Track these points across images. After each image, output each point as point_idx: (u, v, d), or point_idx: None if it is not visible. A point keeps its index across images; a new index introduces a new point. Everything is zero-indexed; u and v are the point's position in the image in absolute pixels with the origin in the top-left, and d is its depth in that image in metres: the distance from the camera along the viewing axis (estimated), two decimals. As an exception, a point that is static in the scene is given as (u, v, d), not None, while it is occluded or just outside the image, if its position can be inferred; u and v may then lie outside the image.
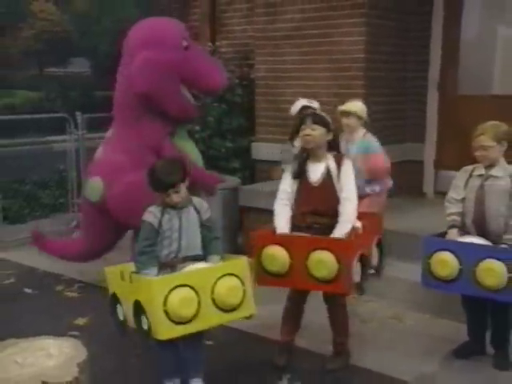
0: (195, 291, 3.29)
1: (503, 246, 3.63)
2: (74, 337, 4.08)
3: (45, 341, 3.11)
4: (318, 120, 3.69)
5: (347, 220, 3.64)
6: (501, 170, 3.76)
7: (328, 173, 3.71)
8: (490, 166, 3.79)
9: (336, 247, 3.46)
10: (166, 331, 3.28)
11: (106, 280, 3.75)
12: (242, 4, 7.84)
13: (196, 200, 3.64)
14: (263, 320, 4.35)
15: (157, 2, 9.95)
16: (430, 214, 5.72)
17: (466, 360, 3.93)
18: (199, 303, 3.29)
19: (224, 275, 3.40)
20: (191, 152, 5.27)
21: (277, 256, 3.55)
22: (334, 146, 3.80)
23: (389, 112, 6.83)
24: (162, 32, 5.17)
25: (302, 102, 5.29)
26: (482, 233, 3.75)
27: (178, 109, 5.08)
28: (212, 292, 3.35)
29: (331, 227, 3.64)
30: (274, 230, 3.77)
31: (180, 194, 3.51)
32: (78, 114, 7.34)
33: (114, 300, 3.71)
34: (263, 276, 3.66)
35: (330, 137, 3.73)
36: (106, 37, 22.45)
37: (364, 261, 3.68)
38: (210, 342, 3.92)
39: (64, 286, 5.48)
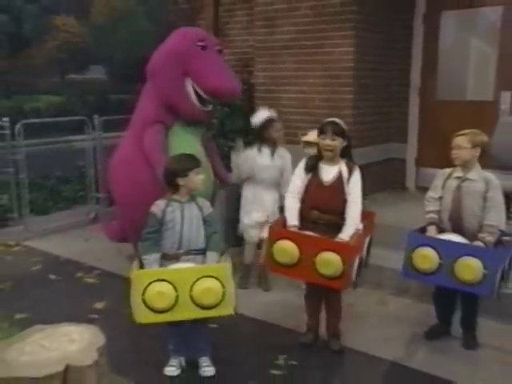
0: (174, 287, 3.31)
1: (479, 243, 3.64)
2: (93, 319, 4.17)
3: (67, 327, 3.10)
4: (338, 131, 3.67)
5: (353, 223, 3.66)
6: (476, 174, 3.78)
7: (340, 176, 3.70)
8: (466, 170, 3.80)
9: (343, 250, 3.48)
10: (142, 316, 3.35)
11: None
12: (242, 17, 7.88)
13: (199, 198, 3.63)
14: (269, 307, 4.52)
15: (166, 15, 9.86)
16: (411, 206, 5.76)
17: (438, 340, 3.99)
18: (177, 297, 3.31)
19: (204, 276, 3.37)
20: (177, 150, 4.47)
21: (287, 250, 3.57)
22: (345, 152, 3.76)
23: (375, 115, 6.85)
24: (181, 31, 5.05)
25: (265, 114, 5.00)
26: (457, 229, 3.77)
27: (169, 97, 4.81)
28: (190, 290, 3.33)
29: (334, 224, 3.65)
30: (284, 222, 3.80)
31: (190, 179, 3.51)
32: (95, 116, 7.30)
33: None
34: (274, 265, 3.70)
35: (344, 144, 3.72)
36: (121, 46, 22.40)
37: (360, 260, 3.74)
38: (214, 325, 3.92)
39: (84, 273, 5.44)
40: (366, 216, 3.89)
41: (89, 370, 2.69)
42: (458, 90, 6.96)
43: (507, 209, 5.01)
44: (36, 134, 6.81)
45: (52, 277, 5.34)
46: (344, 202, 3.67)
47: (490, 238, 3.66)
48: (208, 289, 3.33)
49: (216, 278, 3.36)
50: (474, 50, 6.86)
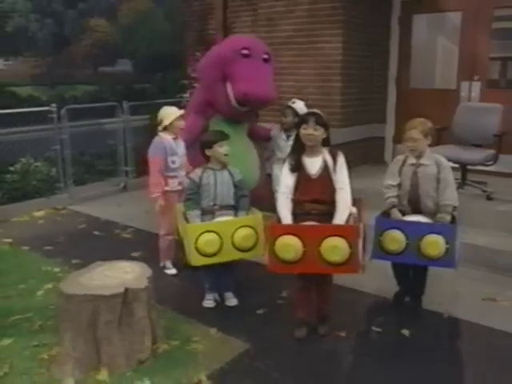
0: (219, 236, 3.56)
1: (439, 223, 3.55)
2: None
3: (122, 263, 3.49)
4: (320, 122, 3.31)
5: (345, 207, 3.31)
6: (428, 158, 3.65)
7: (325, 166, 3.35)
8: (419, 156, 3.66)
9: (347, 233, 3.13)
10: (195, 260, 3.61)
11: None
12: (247, 18, 7.67)
13: (231, 167, 3.83)
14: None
15: (181, 16, 9.63)
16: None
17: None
18: (221, 244, 3.56)
19: (242, 226, 3.63)
20: None
21: (291, 245, 3.16)
22: (326, 141, 3.40)
23: (359, 100, 6.91)
24: (232, 38, 5.00)
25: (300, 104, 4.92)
26: (415, 210, 3.68)
27: (211, 96, 4.70)
28: (232, 237, 3.59)
29: (328, 213, 3.31)
30: (278, 220, 3.39)
31: (225, 149, 3.73)
32: (124, 102, 7.42)
33: (180, 239, 4.05)
34: (277, 264, 3.23)
35: (325, 135, 3.36)
36: (143, 43, 22.71)
37: (363, 244, 3.40)
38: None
39: (120, 230, 5.69)
40: (354, 203, 3.51)
41: (142, 292, 3.12)
42: (427, 79, 7.11)
43: (463, 176, 5.50)
44: (75, 117, 7.00)
45: (96, 233, 5.64)
46: (334, 190, 3.33)
47: (448, 217, 3.58)
48: (246, 235, 3.61)
49: (250, 227, 3.63)
50: (440, 46, 7.00)
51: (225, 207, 3.78)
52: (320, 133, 3.32)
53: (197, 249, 3.55)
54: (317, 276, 3.38)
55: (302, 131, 3.33)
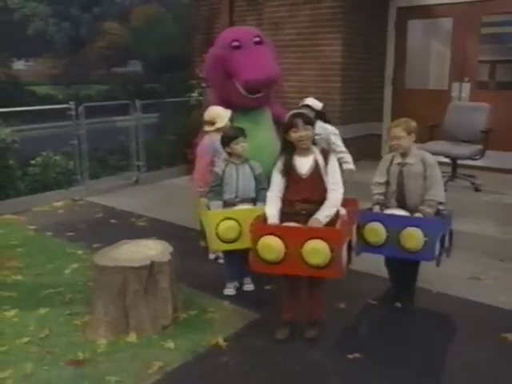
0: (238, 223, 3.65)
1: (419, 215, 3.54)
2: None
3: (145, 241, 3.83)
4: (308, 121, 3.24)
5: (332, 205, 3.21)
6: (413, 157, 3.61)
7: (316, 166, 3.24)
8: (405, 155, 3.63)
9: (329, 236, 3.01)
10: (216, 246, 3.80)
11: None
12: (252, 22, 7.71)
13: (252, 161, 3.91)
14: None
15: (190, 19, 9.78)
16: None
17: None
18: (240, 231, 3.64)
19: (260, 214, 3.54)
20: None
21: (273, 246, 3.07)
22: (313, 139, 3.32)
23: (358, 100, 7.06)
24: (221, 34, 4.93)
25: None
26: (402, 207, 3.65)
27: (223, 93, 4.73)
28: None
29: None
30: (265, 219, 3.29)
31: (240, 145, 3.83)
32: (137, 100, 7.64)
33: (203, 229, 4.20)
34: (260, 264, 3.16)
35: (314, 132, 3.32)
36: (153, 45, 23.33)
37: (349, 246, 3.30)
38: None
39: (135, 219, 5.94)
40: (348, 203, 3.47)
41: (165, 265, 3.47)
42: (421, 80, 7.36)
43: (453, 170, 5.86)
44: (89, 115, 7.15)
45: (112, 221, 5.94)
46: (324, 190, 3.23)
47: (429, 210, 3.54)
48: None
49: None
50: (433, 50, 7.27)
51: (246, 200, 3.87)
52: (310, 132, 3.24)
53: (217, 234, 3.67)
54: (306, 279, 3.30)
55: (293, 135, 3.22)
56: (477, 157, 5.58)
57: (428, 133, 5.72)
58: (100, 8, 25.90)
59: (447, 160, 5.74)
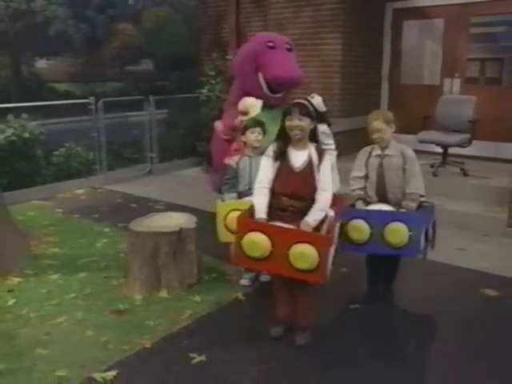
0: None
1: (402, 210, 3.49)
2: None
3: (172, 213, 4.31)
4: (305, 112, 3.06)
5: (321, 208, 3.07)
6: (393, 149, 3.54)
7: (310, 161, 3.09)
8: (384, 147, 3.55)
9: (318, 242, 2.89)
10: (224, 237, 3.73)
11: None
12: (257, 22, 8.17)
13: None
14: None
15: (198, 20, 10.10)
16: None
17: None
18: None
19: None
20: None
21: (259, 243, 2.94)
22: (313, 135, 3.16)
23: (357, 95, 7.32)
24: (257, 35, 5.29)
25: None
26: (383, 201, 3.59)
27: (247, 88, 4.93)
28: None
29: (304, 211, 3.06)
30: (251, 214, 3.13)
31: (255, 135, 3.87)
32: (151, 96, 8.05)
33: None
34: (243, 258, 3.03)
35: (312, 126, 3.11)
36: (163, 45, 24.20)
37: (335, 249, 3.17)
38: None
39: (153, 203, 6.40)
40: (336, 201, 3.28)
41: (191, 231, 3.97)
42: (415, 76, 7.65)
43: (444, 157, 6.38)
44: (105, 110, 7.59)
45: (132, 205, 6.41)
46: (315, 188, 3.08)
47: (413, 204, 3.49)
48: None
49: None
50: (427, 48, 7.62)
51: None
52: (306, 123, 3.06)
53: (226, 226, 3.67)
54: (296, 280, 3.07)
55: (287, 123, 3.08)
56: (465, 144, 6.06)
57: (421, 123, 6.18)
58: (114, 10, 26.93)
59: (439, 148, 6.23)
